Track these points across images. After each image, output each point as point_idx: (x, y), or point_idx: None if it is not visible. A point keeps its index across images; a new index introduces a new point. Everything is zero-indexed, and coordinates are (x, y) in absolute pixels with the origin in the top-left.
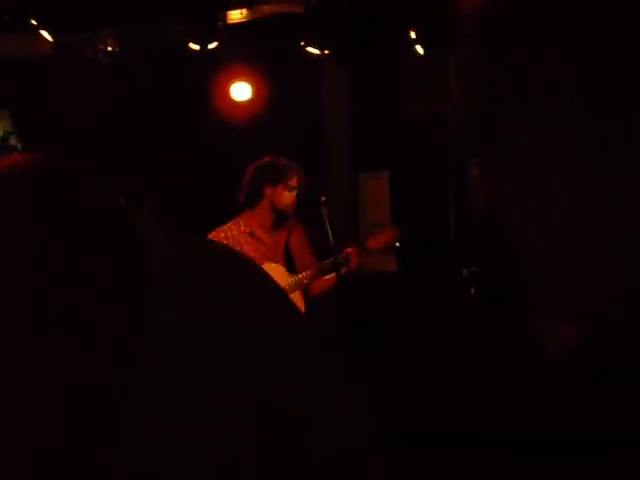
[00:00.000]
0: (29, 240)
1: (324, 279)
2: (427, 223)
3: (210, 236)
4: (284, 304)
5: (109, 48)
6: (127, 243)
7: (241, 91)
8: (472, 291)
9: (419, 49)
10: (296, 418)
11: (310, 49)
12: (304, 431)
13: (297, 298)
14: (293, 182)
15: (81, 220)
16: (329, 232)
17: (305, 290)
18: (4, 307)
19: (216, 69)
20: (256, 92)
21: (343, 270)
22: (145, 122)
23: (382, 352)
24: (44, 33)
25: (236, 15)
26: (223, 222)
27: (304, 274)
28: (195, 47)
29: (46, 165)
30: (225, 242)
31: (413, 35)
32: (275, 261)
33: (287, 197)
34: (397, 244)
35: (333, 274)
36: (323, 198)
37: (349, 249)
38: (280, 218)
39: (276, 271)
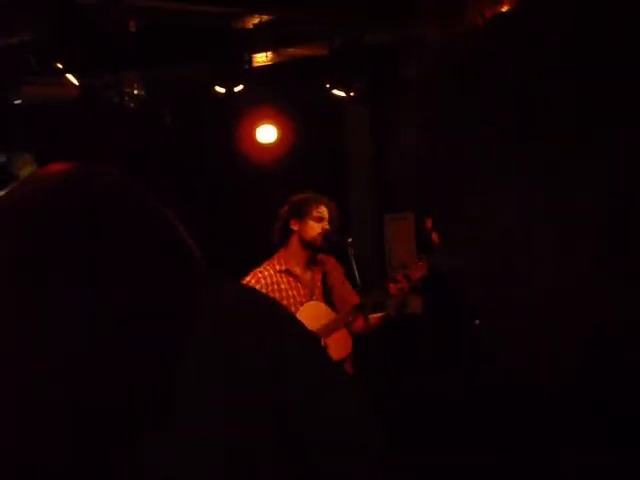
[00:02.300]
0: (94, 254)
1: (370, 318)
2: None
3: (247, 279)
4: (308, 342)
5: (135, 91)
6: (183, 264)
7: (266, 133)
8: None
9: None
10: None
11: (335, 91)
12: (316, 433)
13: (342, 335)
14: (319, 212)
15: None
16: (356, 273)
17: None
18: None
19: (241, 112)
20: (281, 134)
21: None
22: (171, 165)
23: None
24: (70, 77)
25: (261, 58)
26: (253, 265)
27: (346, 312)
28: (221, 90)
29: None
30: (262, 283)
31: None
32: (314, 298)
33: (315, 228)
34: (427, 275)
35: (379, 314)
36: (349, 239)
37: (391, 281)
38: (313, 251)
39: (318, 309)
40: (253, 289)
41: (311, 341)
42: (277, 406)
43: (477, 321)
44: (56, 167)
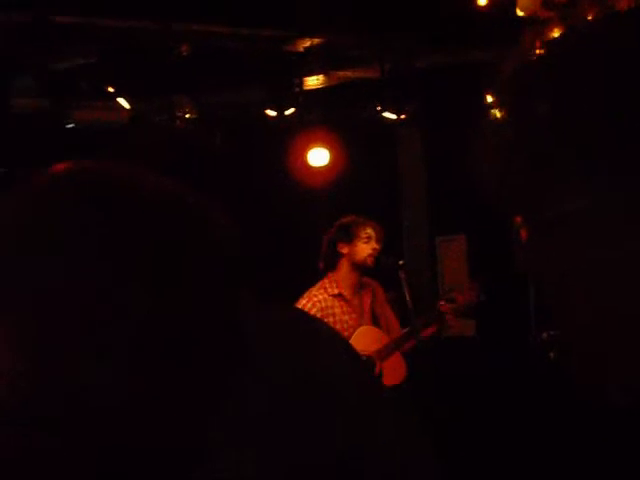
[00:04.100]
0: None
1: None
2: (505, 285)
3: (302, 302)
4: (361, 372)
5: (187, 115)
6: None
7: (318, 157)
8: (551, 355)
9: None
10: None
11: (386, 114)
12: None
13: (396, 360)
14: (366, 233)
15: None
16: (408, 295)
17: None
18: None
19: (293, 135)
20: (333, 157)
21: (436, 326)
22: (222, 189)
23: (460, 418)
24: (121, 101)
25: (313, 81)
26: (304, 288)
27: (399, 335)
28: (272, 113)
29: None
30: (317, 306)
31: (490, 99)
32: (363, 321)
33: (365, 249)
34: (483, 298)
35: (428, 332)
36: (401, 262)
37: (442, 304)
38: (362, 274)
39: (371, 334)
40: (305, 313)
41: (364, 370)
42: (329, 441)
43: (545, 334)
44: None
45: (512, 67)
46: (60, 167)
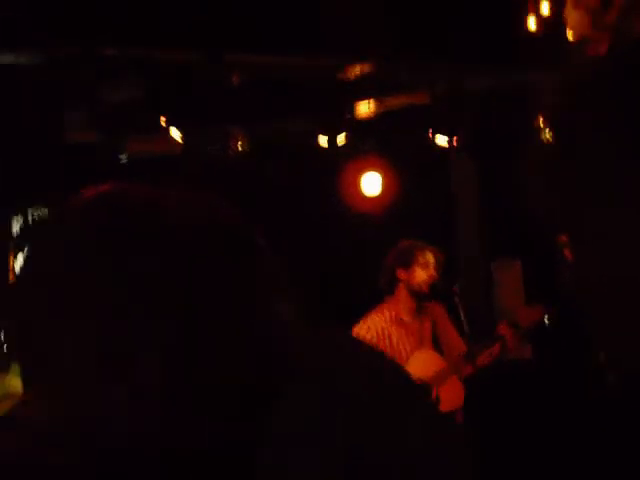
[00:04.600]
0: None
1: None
2: (561, 308)
3: (357, 327)
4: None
5: (239, 145)
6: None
7: (372, 183)
8: (610, 377)
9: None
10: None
11: (437, 139)
12: None
13: (454, 384)
14: (425, 259)
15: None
16: (464, 321)
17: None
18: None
19: (345, 163)
20: (386, 184)
21: (496, 350)
22: (275, 218)
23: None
24: (173, 132)
25: (364, 108)
26: (361, 313)
27: (455, 360)
28: (324, 141)
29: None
30: (373, 332)
31: (539, 120)
32: (423, 346)
33: (421, 275)
34: (546, 321)
35: (485, 355)
36: (456, 287)
37: (502, 327)
38: (421, 299)
39: (429, 357)
40: (353, 339)
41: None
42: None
43: (602, 355)
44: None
45: (560, 87)
46: (96, 190)
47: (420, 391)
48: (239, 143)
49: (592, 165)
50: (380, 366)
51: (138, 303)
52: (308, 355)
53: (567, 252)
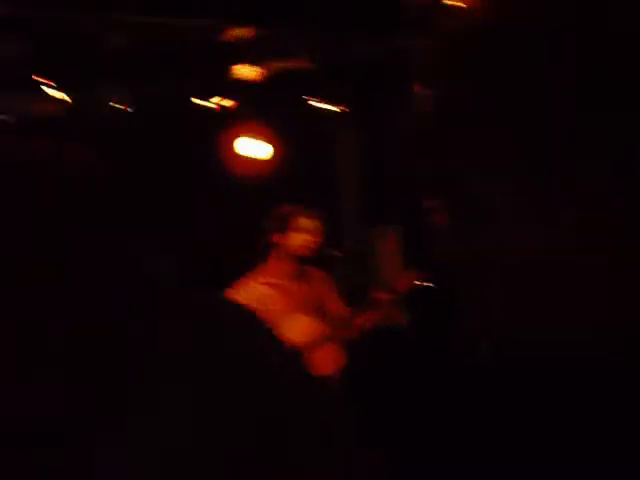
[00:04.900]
0: None
1: (355, 327)
2: (439, 275)
3: (232, 291)
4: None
5: (121, 106)
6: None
7: (252, 148)
8: (484, 345)
9: None
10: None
11: (321, 105)
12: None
13: (332, 349)
14: (301, 224)
15: None
16: (341, 286)
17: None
18: None
19: (226, 127)
20: (267, 149)
21: (373, 316)
22: (156, 181)
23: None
24: (56, 92)
25: (249, 72)
26: (238, 279)
27: (334, 325)
28: (206, 105)
29: None
30: (247, 295)
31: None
32: (302, 310)
33: (297, 239)
34: (419, 283)
35: (363, 321)
36: (335, 252)
37: (379, 293)
38: (298, 263)
39: (307, 322)
40: (229, 298)
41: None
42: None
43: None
44: None
45: (433, 53)
46: None
47: (291, 354)
48: (122, 104)
49: (466, 133)
50: (247, 326)
51: None
52: (179, 304)
53: (437, 218)
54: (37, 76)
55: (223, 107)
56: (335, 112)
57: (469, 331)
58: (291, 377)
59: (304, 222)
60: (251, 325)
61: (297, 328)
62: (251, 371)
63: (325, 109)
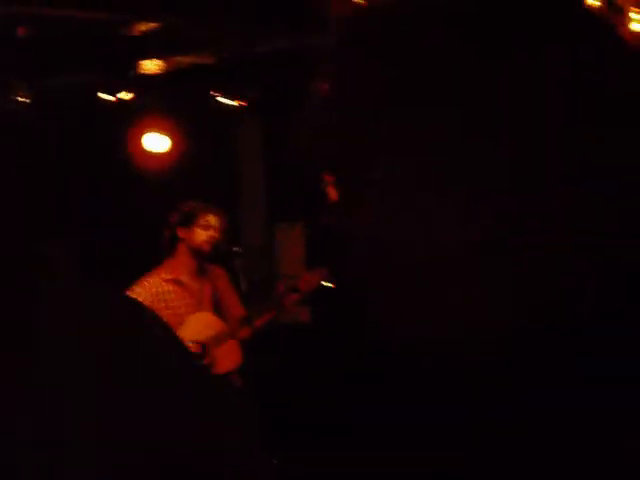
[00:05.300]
0: None
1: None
2: (344, 272)
3: (133, 287)
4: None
5: (20, 99)
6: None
7: (156, 142)
8: (390, 342)
9: None
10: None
11: (224, 100)
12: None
13: (231, 347)
14: (206, 220)
15: None
16: (242, 283)
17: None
18: None
19: (131, 120)
20: (172, 144)
21: (273, 314)
22: (57, 173)
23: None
24: None
25: (151, 66)
26: (141, 274)
27: (233, 323)
28: (108, 98)
29: None
30: (147, 292)
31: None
32: (202, 308)
33: (202, 235)
34: (328, 284)
35: (263, 318)
36: (236, 249)
37: (281, 291)
38: (201, 260)
39: (206, 320)
40: (113, 292)
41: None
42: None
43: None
44: None
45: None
46: None
47: (189, 355)
48: (21, 96)
49: (360, 117)
50: (140, 327)
51: None
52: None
53: (330, 190)
54: None
55: (127, 101)
56: (239, 107)
57: (376, 328)
58: (190, 378)
59: (210, 218)
60: (145, 327)
61: (200, 326)
62: (140, 377)
63: (229, 104)
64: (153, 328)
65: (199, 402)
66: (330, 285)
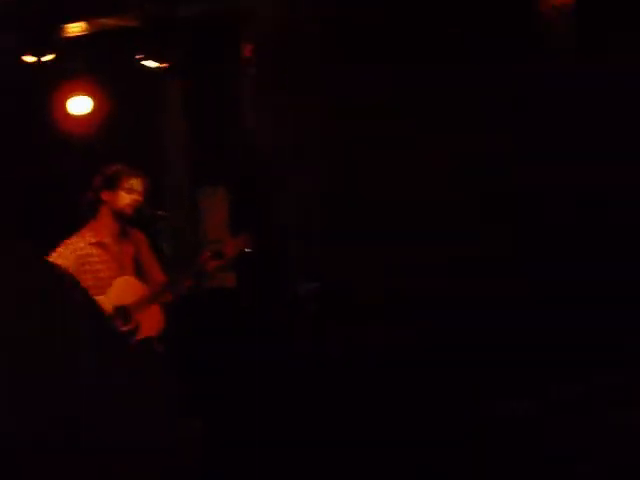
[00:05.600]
0: None
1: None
2: (265, 238)
3: (58, 250)
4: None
5: None
6: None
7: (79, 105)
8: (312, 307)
9: None
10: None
11: (147, 62)
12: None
13: (154, 311)
14: (129, 184)
15: None
16: (165, 247)
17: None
18: None
19: (53, 83)
20: (95, 106)
21: (196, 279)
22: None
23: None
24: None
25: (74, 28)
26: (65, 236)
27: (156, 288)
28: (30, 59)
29: None
30: (74, 254)
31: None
32: (125, 271)
33: (125, 198)
34: (249, 250)
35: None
36: (160, 212)
37: (204, 256)
38: (123, 223)
39: (129, 285)
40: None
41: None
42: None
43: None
44: None
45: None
46: None
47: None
48: None
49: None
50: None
51: None
52: None
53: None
54: None
55: (49, 63)
56: (163, 70)
57: (300, 291)
58: (109, 346)
59: (133, 182)
60: (63, 291)
61: (123, 291)
62: (55, 345)
63: (153, 66)
64: (72, 292)
65: (115, 368)
66: (251, 250)
